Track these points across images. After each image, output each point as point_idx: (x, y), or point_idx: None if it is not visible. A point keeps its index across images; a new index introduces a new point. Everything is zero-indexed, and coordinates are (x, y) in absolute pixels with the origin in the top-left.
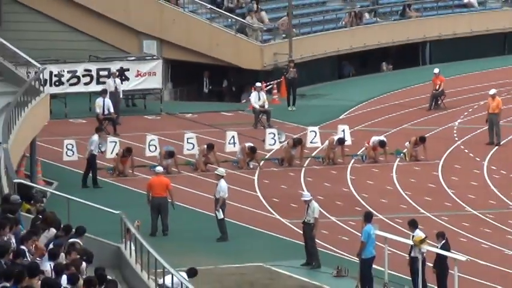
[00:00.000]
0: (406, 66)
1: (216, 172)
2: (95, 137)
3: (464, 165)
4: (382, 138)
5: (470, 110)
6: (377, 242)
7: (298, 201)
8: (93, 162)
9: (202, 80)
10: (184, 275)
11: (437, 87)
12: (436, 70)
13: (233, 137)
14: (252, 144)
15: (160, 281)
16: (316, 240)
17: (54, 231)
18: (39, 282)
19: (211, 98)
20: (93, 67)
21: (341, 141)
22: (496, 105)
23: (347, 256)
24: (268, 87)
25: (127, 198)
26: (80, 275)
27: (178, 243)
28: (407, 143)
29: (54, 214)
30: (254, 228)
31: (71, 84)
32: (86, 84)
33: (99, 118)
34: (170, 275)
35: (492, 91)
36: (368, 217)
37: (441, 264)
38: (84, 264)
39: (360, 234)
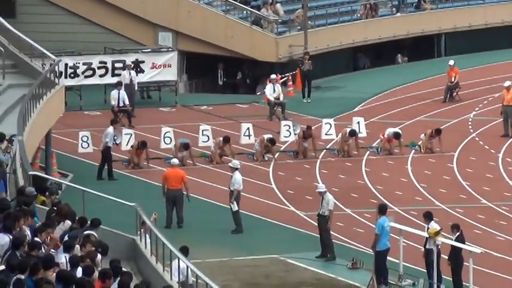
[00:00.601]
0: (421, 58)
1: (230, 164)
2: (110, 129)
3: (479, 157)
4: (397, 130)
5: (485, 102)
6: (392, 234)
7: (313, 194)
8: (108, 155)
9: (217, 72)
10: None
11: (452, 80)
12: (451, 62)
13: (248, 129)
14: (271, 136)
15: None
16: (331, 233)
17: (69, 224)
18: (54, 274)
19: (226, 90)
20: (108, 59)
21: (352, 133)
22: (510, 97)
23: (362, 248)
24: (283, 80)
25: (142, 190)
26: (95, 267)
27: (193, 235)
28: (423, 135)
29: (69, 206)
30: (269, 220)
31: (86, 76)
32: (101, 76)
33: (114, 110)
34: (177, 259)
35: (507, 83)
36: (382, 209)
37: (456, 257)
38: (99, 256)
39: (374, 227)
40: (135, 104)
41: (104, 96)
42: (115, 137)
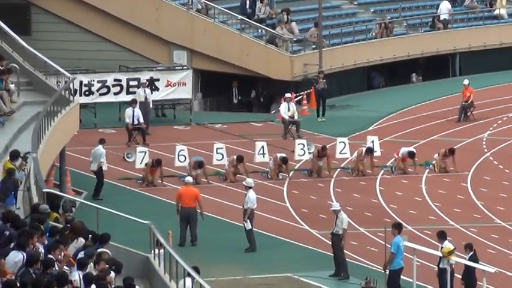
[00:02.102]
0: (435, 78)
1: (244, 183)
2: (101, 149)
3: (494, 176)
4: (411, 149)
5: (499, 121)
6: (405, 253)
7: (327, 212)
8: (101, 174)
9: (231, 91)
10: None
11: (466, 99)
12: (466, 82)
13: (262, 147)
14: (284, 155)
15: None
16: (345, 251)
17: (83, 241)
18: None
19: (241, 109)
20: (123, 77)
21: (369, 150)
22: None
23: (376, 267)
24: (297, 98)
25: (156, 208)
26: (108, 285)
27: (206, 253)
28: (437, 154)
29: (82, 223)
30: (283, 238)
31: (101, 94)
32: (115, 94)
33: (128, 128)
34: (187, 278)
35: None
36: (398, 227)
37: (469, 276)
38: (112, 274)
39: (388, 245)
40: (150, 122)
41: (119, 114)
42: (129, 155)
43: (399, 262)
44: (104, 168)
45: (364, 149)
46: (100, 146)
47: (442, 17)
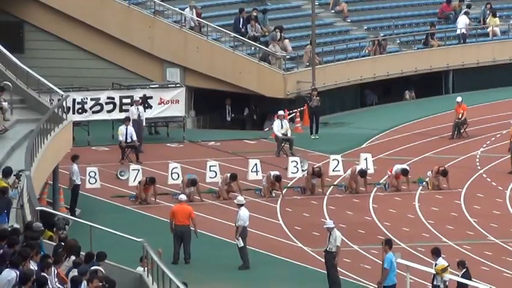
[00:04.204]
0: (429, 95)
1: (235, 201)
2: (75, 167)
3: (487, 194)
4: (404, 166)
5: (492, 138)
6: (399, 271)
7: (320, 230)
8: (76, 192)
9: (224, 108)
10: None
11: (460, 116)
12: (459, 99)
13: (256, 164)
14: (277, 173)
15: None
16: (338, 269)
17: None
18: None
19: (234, 126)
20: (116, 95)
21: (362, 173)
22: None
23: (369, 284)
24: (291, 116)
25: (149, 225)
26: None
27: (200, 271)
28: (430, 172)
29: (76, 241)
30: (276, 256)
31: (94, 112)
32: (108, 111)
33: (121, 146)
34: None
35: None
36: (390, 243)
37: None
38: None
39: (381, 262)
40: (143, 139)
41: (112, 131)
42: (122, 173)
43: (392, 278)
44: (78, 182)
45: (357, 168)
46: (74, 164)
47: (459, 31)
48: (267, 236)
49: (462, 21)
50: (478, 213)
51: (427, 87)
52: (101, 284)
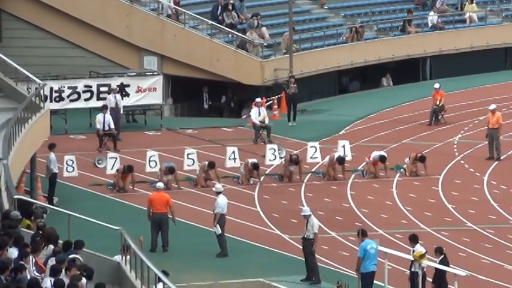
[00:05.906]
0: (406, 82)
1: (213, 189)
2: (52, 155)
3: (465, 180)
4: (382, 153)
5: (470, 125)
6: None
7: (298, 217)
8: (54, 181)
9: (202, 96)
10: None
11: (437, 103)
12: (437, 85)
13: (233, 152)
14: (255, 161)
15: None
16: (316, 256)
17: (52, 248)
18: None
19: (212, 114)
20: (93, 83)
21: (340, 160)
22: (496, 120)
23: (347, 271)
24: (268, 103)
25: (127, 213)
26: None
27: (178, 258)
28: (407, 159)
29: (54, 230)
30: (254, 243)
31: (71, 100)
32: (86, 100)
33: (99, 134)
34: (159, 284)
35: (492, 106)
36: (364, 233)
37: (440, 280)
38: (84, 280)
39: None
40: (121, 127)
41: (89, 120)
42: (99, 161)
43: (367, 266)
44: (55, 171)
45: (335, 155)
46: (51, 153)
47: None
48: (245, 223)
49: (430, 19)
50: (456, 199)
51: (405, 73)
52: (78, 272)
